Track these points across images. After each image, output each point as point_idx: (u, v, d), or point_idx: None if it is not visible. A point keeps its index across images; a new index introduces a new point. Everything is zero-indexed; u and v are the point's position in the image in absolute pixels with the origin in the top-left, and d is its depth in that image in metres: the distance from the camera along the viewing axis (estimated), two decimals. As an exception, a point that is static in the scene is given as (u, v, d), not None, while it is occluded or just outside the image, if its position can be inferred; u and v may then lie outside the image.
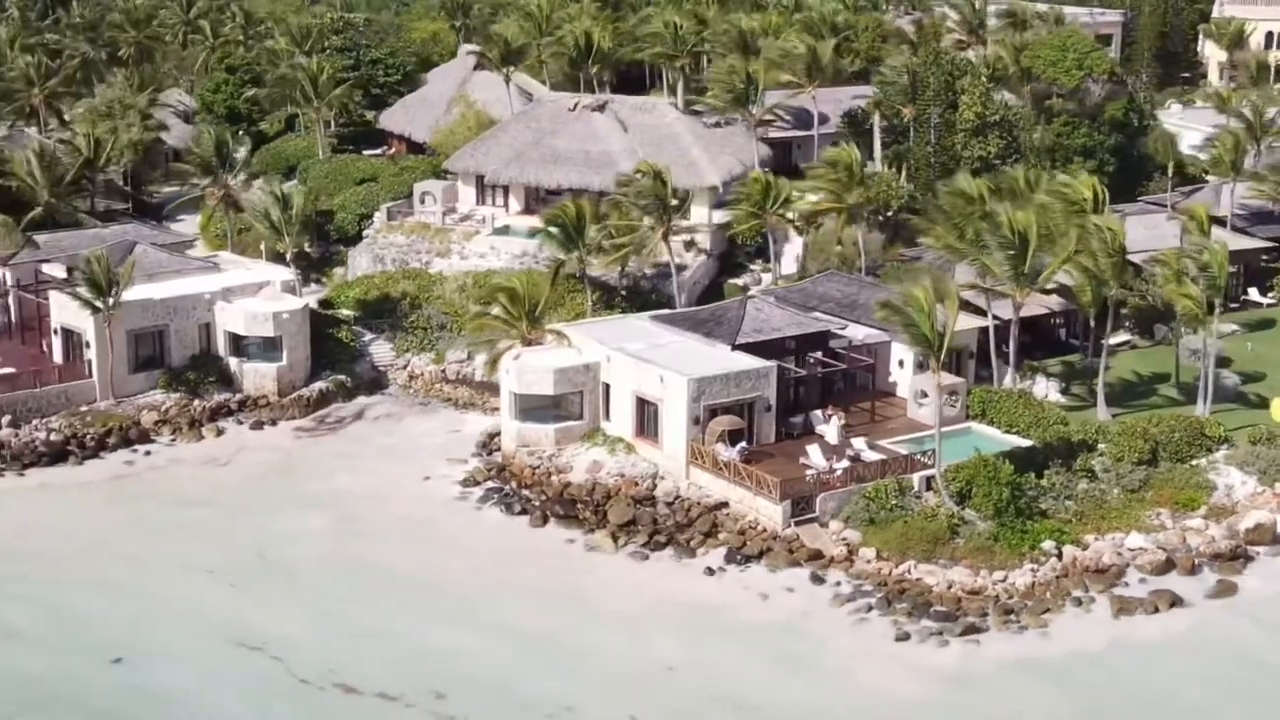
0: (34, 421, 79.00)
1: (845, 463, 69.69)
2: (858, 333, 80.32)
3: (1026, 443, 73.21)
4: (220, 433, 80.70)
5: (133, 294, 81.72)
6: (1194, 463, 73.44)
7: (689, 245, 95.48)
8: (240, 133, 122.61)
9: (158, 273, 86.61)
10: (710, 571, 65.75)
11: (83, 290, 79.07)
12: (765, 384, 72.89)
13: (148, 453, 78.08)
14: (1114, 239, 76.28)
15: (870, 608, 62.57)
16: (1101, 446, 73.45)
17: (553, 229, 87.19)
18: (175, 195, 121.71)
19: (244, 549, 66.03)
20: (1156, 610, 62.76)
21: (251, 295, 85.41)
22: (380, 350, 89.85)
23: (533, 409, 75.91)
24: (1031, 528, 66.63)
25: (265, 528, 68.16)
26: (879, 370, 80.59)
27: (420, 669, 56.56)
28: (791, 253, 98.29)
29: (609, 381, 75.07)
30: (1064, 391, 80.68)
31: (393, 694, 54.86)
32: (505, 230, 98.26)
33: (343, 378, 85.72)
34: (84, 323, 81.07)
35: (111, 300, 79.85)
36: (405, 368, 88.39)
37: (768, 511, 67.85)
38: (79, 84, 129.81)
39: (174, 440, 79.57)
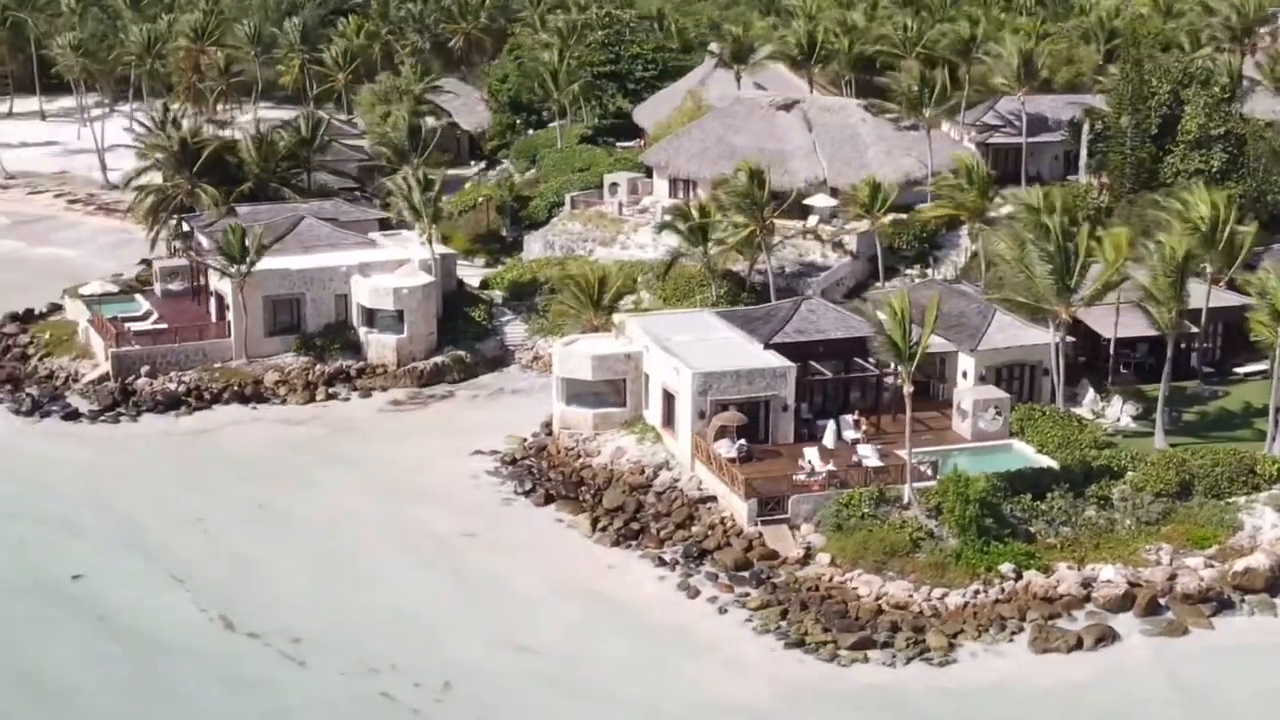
0: (171, 373, 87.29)
1: (827, 468, 69.40)
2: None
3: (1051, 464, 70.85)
4: (331, 396, 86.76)
5: (270, 263, 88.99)
6: (1231, 500, 69.24)
7: (837, 245, 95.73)
8: (519, 122, 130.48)
9: (314, 245, 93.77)
10: (662, 561, 67.00)
11: (214, 258, 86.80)
12: (782, 384, 73.26)
13: (254, 408, 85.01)
14: (1170, 258, 72.43)
15: (785, 612, 62.52)
16: (1130, 475, 70.15)
17: (677, 223, 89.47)
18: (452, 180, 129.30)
19: (247, 502, 71.70)
20: (1080, 644, 60.14)
21: (389, 271, 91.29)
22: (515, 331, 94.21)
23: (585, 394, 78.57)
24: (996, 549, 64.81)
25: (283, 485, 73.69)
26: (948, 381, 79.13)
27: (309, 612, 61.12)
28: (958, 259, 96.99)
29: (649, 372, 77.02)
30: (1139, 417, 76.90)
31: (257, 633, 59.39)
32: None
33: (462, 353, 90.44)
34: (226, 288, 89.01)
35: (245, 268, 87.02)
36: (532, 349, 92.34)
37: (739, 509, 68.57)
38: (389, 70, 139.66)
39: (284, 400, 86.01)
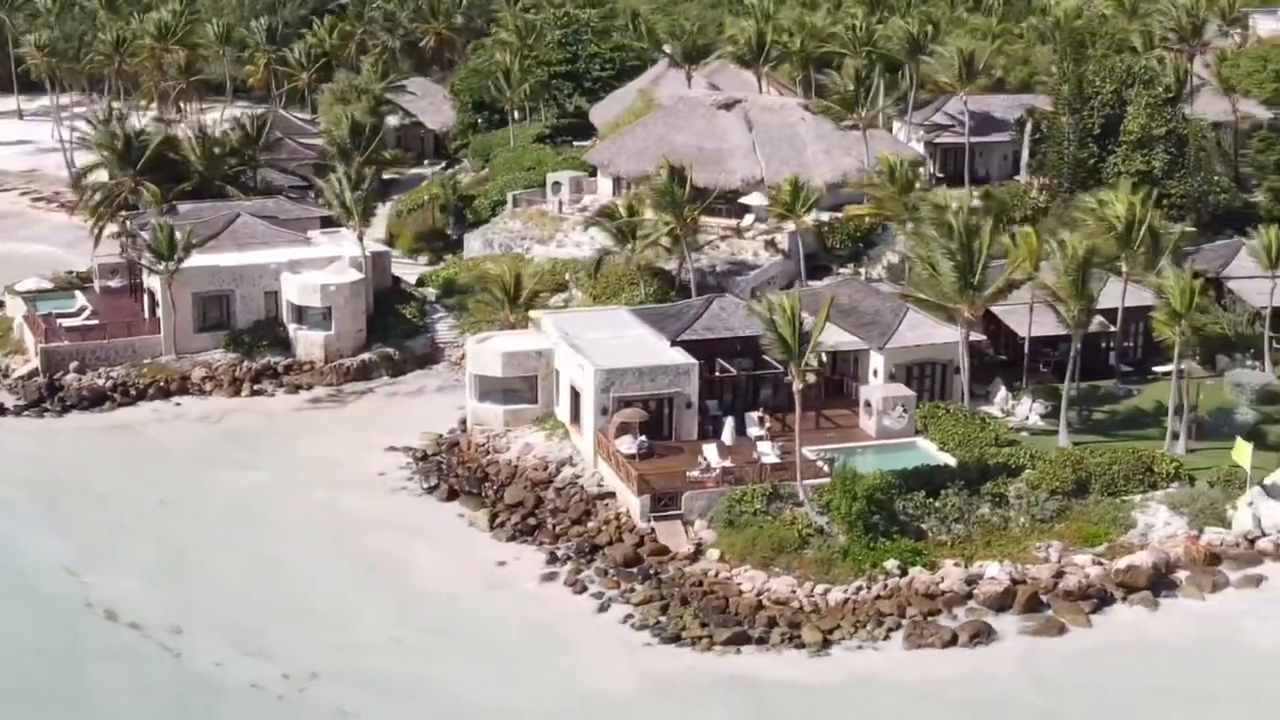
0: (100, 369, 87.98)
1: (722, 465, 69.71)
2: (831, 339, 79.27)
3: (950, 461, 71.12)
4: (257, 393, 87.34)
5: (200, 260, 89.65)
6: (1127, 499, 69.40)
7: (769, 244, 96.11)
8: (480, 121, 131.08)
9: (248, 242, 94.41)
10: (554, 557, 67.39)
11: (139, 254, 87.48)
12: (685, 381, 73.60)
13: (178, 404, 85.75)
14: (1072, 258, 72.59)
15: (666, 607, 62.81)
16: (1027, 472, 70.31)
17: (604, 220, 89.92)
18: (409, 179, 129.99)
19: (152, 496, 72.47)
20: (954, 641, 60.37)
21: (320, 268, 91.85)
22: (447, 328, 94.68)
23: (502, 391, 78.90)
24: (882, 545, 65.04)
25: (191, 480, 74.32)
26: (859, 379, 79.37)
27: (196, 603, 62.03)
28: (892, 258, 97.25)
29: (559, 368, 77.41)
30: (1048, 416, 76.99)
31: (139, 623, 60.18)
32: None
33: (390, 351, 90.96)
34: (157, 284, 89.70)
35: (174, 264, 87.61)
36: (461, 347, 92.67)
37: (634, 505, 68.93)
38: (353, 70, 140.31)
39: (210, 395, 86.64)
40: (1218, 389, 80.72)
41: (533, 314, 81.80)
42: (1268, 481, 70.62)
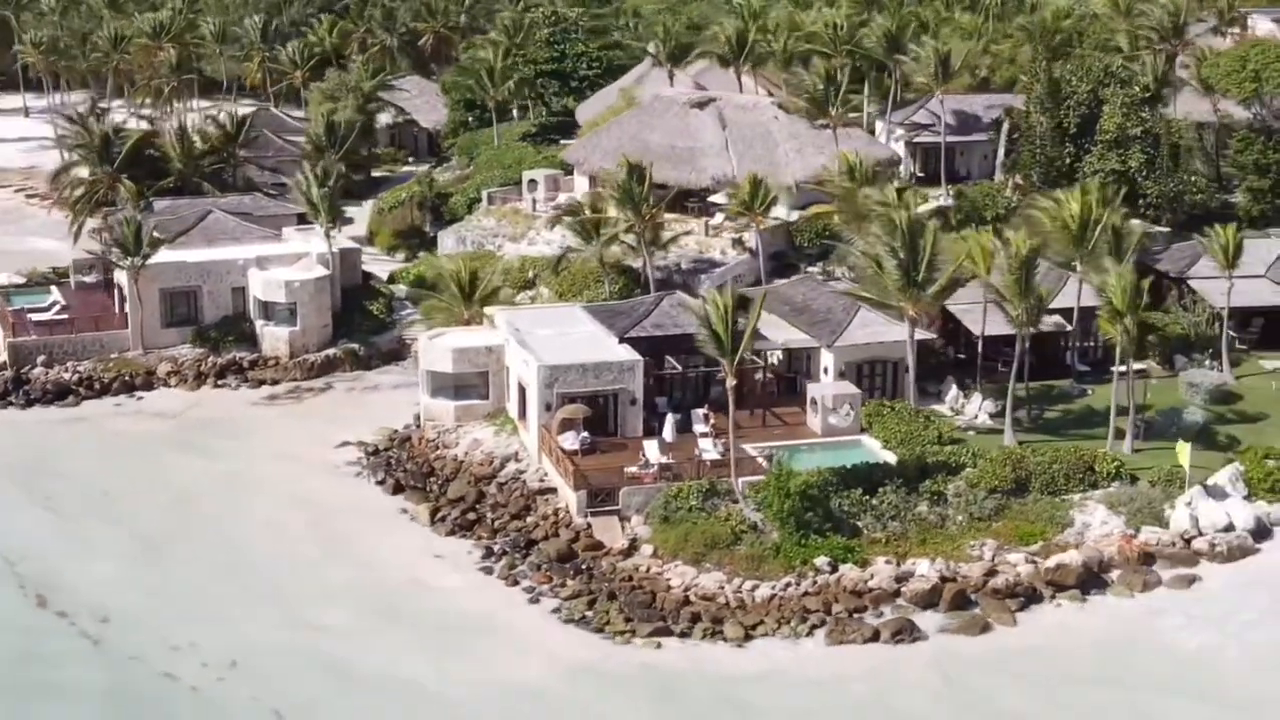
0: (68, 363, 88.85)
1: (660, 461, 69.97)
2: (780, 336, 79.71)
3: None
4: (221, 387, 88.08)
5: (167, 256, 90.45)
6: (1066, 498, 69.34)
7: (737, 242, 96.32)
8: (470, 119, 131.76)
9: (218, 238, 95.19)
10: (490, 551, 67.80)
11: (106, 249, 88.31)
12: (630, 377, 73.88)
13: (140, 398, 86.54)
14: (1015, 256, 72.55)
15: (593, 601, 63.15)
16: (968, 471, 70.30)
17: (568, 218, 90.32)
18: (399, 176, 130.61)
19: (96, 487, 73.17)
20: (876, 637, 60.51)
21: (288, 265, 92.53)
22: (413, 325, 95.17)
23: (456, 386, 79.34)
24: (813, 543, 65.16)
25: (137, 472, 75.04)
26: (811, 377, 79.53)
27: (126, 593, 62.84)
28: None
29: (509, 365, 77.80)
30: (997, 415, 76.91)
31: (67, 611, 60.88)
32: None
33: (355, 346, 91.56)
34: (123, 279, 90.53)
35: (139, 260, 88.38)
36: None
37: (572, 500, 69.25)
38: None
39: (174, 387, 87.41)
40: (1174, 388, 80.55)
41: (487, 310, 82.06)
42: (1210, 482, 70.34)
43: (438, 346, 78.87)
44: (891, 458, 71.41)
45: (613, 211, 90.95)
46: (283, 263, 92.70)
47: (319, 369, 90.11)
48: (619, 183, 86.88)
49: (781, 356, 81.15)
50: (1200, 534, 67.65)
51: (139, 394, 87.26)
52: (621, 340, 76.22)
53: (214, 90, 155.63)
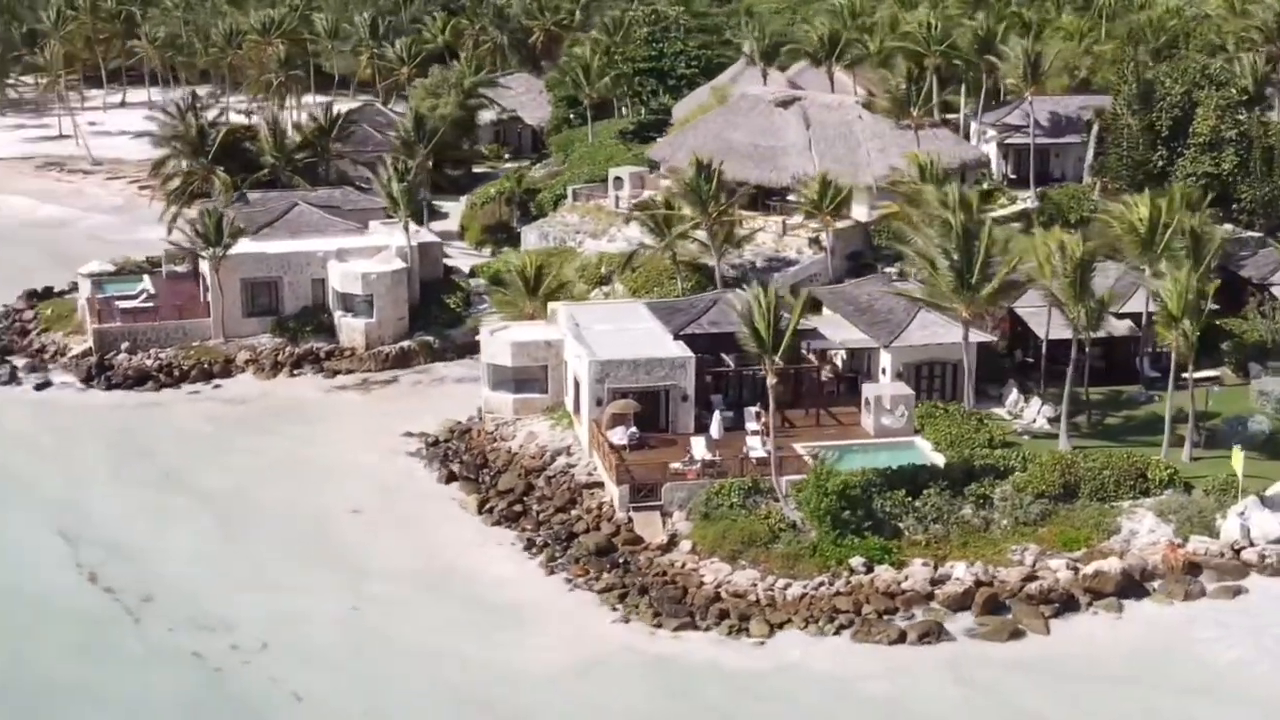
0: (150, 350, 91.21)
1: (704, 458, 70.16)
2: (840, 336, 79.56)
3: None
4: (295, 377, 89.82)
5: (248, 247, 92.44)
6: (1116, 504, 68.37)
7: (813, 241, 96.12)
8: (573, 116, 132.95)
9: (301, 230, 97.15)
10: (531, 543, 68.52)
11: (184, 240, 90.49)
12: (681, 374, 74.12)
13: (217, 385, 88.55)
14: (1069, 258, 71.63)
15: (625, 595, 63.60)
16: (1016, 475, 69.56)
17: (640, 215, 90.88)
18: (500, 173, 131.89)
19: (158, 470, 75.34)
20: (903, 639, 60.24)
21: (368, 257, 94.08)
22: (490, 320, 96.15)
23: (513, 380, 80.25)
24: (850, 543, 64.99)
25: (201, 457, 76.94)
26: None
27: (172, 573, 64.76)
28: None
29: (567, 359, 78.46)
30: (1055, 419, 75.92)
31: (115, 588, 62.97)
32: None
33: (430, 339, 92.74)
34: (206, 269, 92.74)
35: (220, 250, 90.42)
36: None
37: (615, 494, 69.73)
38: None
39: (251, 376, 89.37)
40: (1245, 397, 79.06)
41: (551, 305, 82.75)
42: (1270, 492, 68.91)
43: (498, 340, 79.72)
44: (941, 460, 70.83)
45: (687, 210, 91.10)
46: (362, 255, 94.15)
47: (394, 361, 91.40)
48: (687, 180, 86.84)
49: (845, 356, 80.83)
50: (1251, 545, 66.19)
51: (216, 382, 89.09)
52: (677, 337, 76.37)
53: (330, 86, 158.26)
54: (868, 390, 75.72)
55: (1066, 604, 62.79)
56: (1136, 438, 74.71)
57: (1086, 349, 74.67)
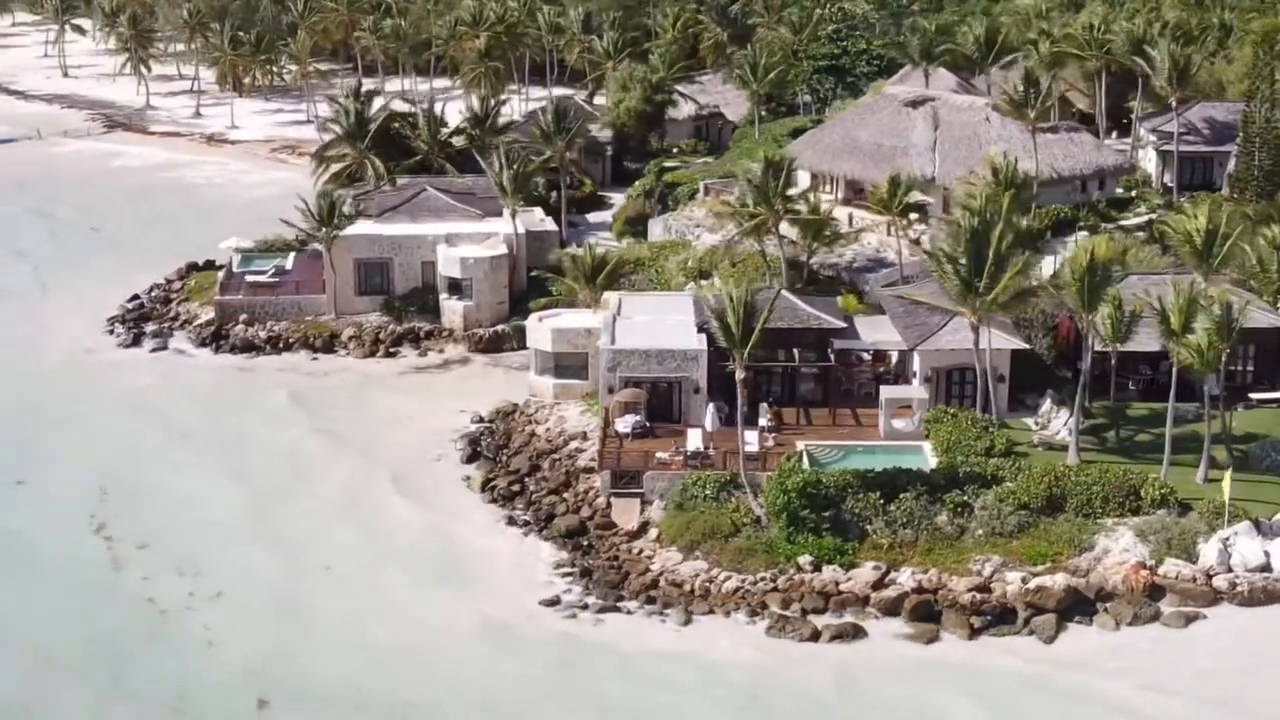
0: (267, 323, 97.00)
1: (690, 450, 71.12)
2: (874, 337, 79.23)
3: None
4: (391, 355, 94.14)
5: (362, 228, 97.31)
6: (1100, 521, 66.54)
7: (914, 243, 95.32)
8: (765, 112, 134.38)
9: (422, 214, 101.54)
10: (511, 521, 70.99)
11: (298, 220, 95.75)
12: (693, 366, 75.17)
13: (314, 358, 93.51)
14: (1078, 267, 69.73)
15: (570, 574, 65.51)
16: (1004, 485, 68.34)
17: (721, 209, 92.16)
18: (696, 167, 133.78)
19: (222, 430, 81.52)
20: (816, 637, 60.39)
21: (477, 243, 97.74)
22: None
23: (557, 365, 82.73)
24: (804, 541, 65.21)
25: (262, 421, 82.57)
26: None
27: (175, 527, 69.78)
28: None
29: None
30: (1086, 432, 73.88)
31: (113, 536, 68.69)
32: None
33: (524, 324, 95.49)
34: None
35: (331, 231, 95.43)
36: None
37: (599, 480, 71.52)
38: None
39: (348, 353, 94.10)
40: (1302, 420, 75.46)
41: (607, 294, 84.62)
42: (1276, 519, 65.97)
43: (542, 327, 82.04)
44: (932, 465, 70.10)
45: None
46: (472, 241, 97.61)
47: (487, 343, 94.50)
48: (754, 178, 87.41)
49: (870, 355, 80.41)
50: (1229, 571, 63.49)
51: (315, 355, 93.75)
52: (700, 330, 77.21)
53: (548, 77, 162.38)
54: (884, 392, 75.14)
55: (1001, 617, 61.56)
56: (1160, 456, 71.85)
57: (1087, 360, 72.45)
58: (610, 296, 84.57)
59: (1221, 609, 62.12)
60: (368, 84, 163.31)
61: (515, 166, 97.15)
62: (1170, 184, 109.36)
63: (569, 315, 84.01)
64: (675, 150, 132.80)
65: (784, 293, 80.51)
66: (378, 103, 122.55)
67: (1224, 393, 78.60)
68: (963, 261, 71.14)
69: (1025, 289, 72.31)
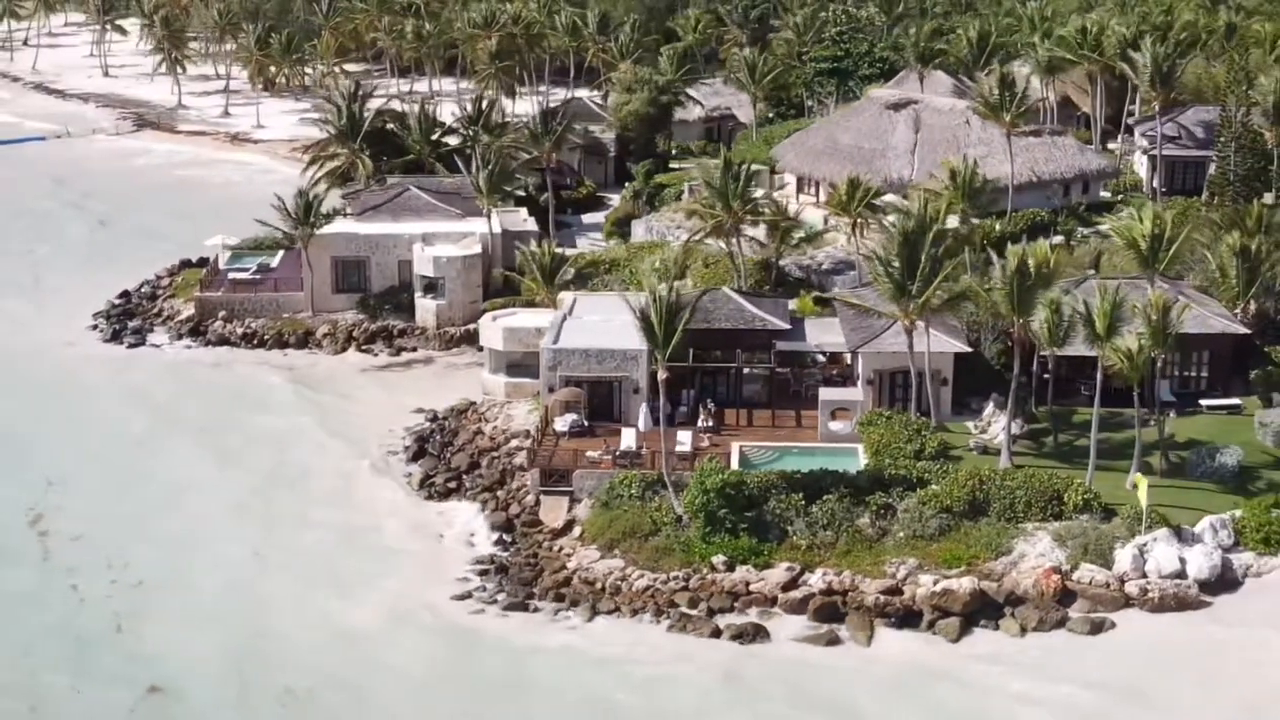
0: (245, 319, 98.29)
1: (620, 450, 71.54)
2: (821, 339, 79.39)
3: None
4: (365, 352, 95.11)
5: (339, 227, 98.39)
6: (1022, 525, 66.33)
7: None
8: (773, 115, 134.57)
9: (403, 214, 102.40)
10: (442, 516, 71.69)
11: (274, 219, 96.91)
12: (633, 366, 75.56)
13: (285, 354, 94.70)
14: (1005, 271, 69.52)
15: (485, 571, 66.13)
16: (934, 487, 68.24)
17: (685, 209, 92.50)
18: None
19: (177, 421, 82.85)
20: (718, 635, 60.74)
21: (453, 242, 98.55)
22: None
23: (511, 364, 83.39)
24: (719, 541, 65.45)
25: (225, 416, 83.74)
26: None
27: (111, 520, 70.89)
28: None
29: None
30: (1022, 437, 73.65)
31: (48, 530, 69.86)
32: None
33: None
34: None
35: (308, 229, 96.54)
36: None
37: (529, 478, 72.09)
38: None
39: (321, 350, 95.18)
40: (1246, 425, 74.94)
41: (563, 293, 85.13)
42: (1199, 528, 65.58)
43: (495, 326, 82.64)
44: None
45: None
46: (449, 240, 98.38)
47: (458, 341, 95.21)
48: (710, 179, 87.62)
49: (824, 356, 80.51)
50: (1144, 577, 63.16)
51: (286, 351, 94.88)
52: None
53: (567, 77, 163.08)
54: (822, 394, 75.22)
55: (906, 619, 61.57)
56: (1099, 461, 71.46)
57: (1051, 365, 72.19)
58: (565, 296, 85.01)
59: (1128, 614, 61.80)
60: (398, 85, 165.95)
61: (491, 166, 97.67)
62: (1163, 188, 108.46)
63: (523, 314, 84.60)
64: (676, 152, 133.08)
65: (729, 293, 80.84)
66: (377, 103, 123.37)
67: (1176, 399, 78.51)
68: (895, 264, 70.98)
69: (960, 293, 72.01)
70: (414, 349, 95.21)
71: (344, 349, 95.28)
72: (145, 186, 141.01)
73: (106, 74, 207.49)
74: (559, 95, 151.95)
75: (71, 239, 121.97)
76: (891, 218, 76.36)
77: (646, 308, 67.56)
